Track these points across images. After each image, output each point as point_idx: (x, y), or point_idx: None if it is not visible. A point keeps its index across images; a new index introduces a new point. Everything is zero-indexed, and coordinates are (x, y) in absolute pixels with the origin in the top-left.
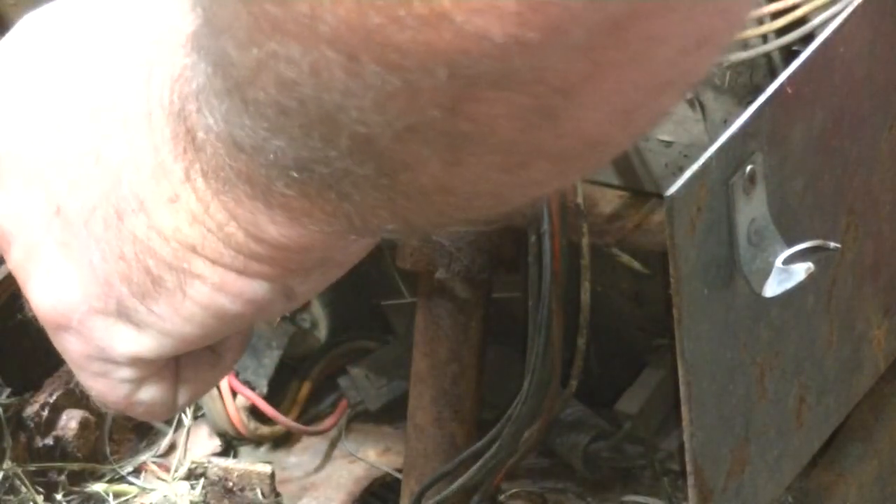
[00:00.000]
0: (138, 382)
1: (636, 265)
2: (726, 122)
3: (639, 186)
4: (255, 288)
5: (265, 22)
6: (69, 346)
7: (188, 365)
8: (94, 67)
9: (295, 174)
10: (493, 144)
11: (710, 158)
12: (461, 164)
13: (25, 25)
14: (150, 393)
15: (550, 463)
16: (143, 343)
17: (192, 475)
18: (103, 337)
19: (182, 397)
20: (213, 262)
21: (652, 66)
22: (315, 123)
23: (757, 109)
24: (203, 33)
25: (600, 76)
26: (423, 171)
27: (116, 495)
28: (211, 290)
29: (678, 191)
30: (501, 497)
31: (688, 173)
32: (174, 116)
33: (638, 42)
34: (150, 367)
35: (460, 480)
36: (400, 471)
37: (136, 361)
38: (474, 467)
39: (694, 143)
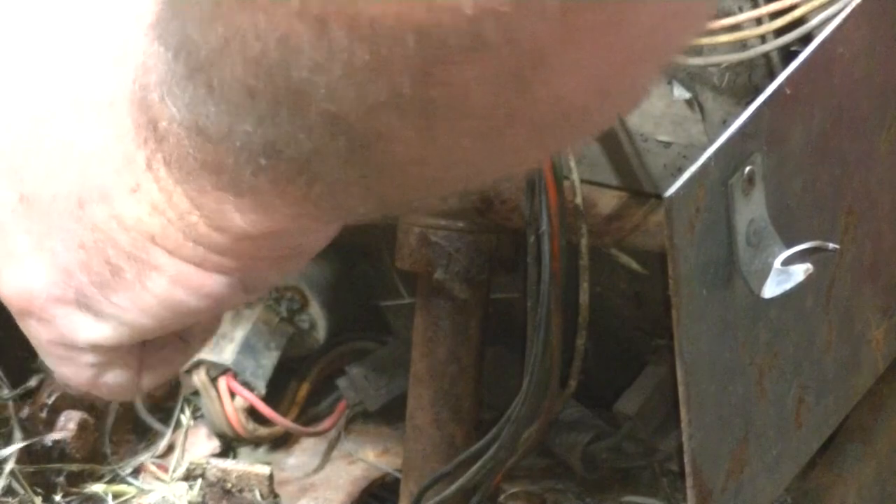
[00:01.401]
0: (102, 367)
1: (635, 266)
2: (725, 123)
3: (637, 187)
4: (212, 282)
5: None
6: (34, 332)
7: (153, 350)
8: (61, 56)
9: (263, 161)
10: (466, 110)
11: (709, 159)
12: (435, 131)
13: None
14: (113, 377)
15: (550, 463)
16: (103, 331)
17: (190, 476)
18: (65, 324)
19: (146, 381)
20: (171, 252)
21: (628, 34)
22: (283, 102)
23: (756, 110)
24: (165, 17)
25: (574, 41)
26: (397, 142)
27: (115, 496)
28: (168, 283)
29: (677, 192)
30: (501, 497)
31: (686, 174)
32: (136, 105)
33: (614, 6)
34: (112, 353)
35: (460, 481)
36: (399, 471)
37: (97, 348)
38: (473, 468)
39: (693, 143)
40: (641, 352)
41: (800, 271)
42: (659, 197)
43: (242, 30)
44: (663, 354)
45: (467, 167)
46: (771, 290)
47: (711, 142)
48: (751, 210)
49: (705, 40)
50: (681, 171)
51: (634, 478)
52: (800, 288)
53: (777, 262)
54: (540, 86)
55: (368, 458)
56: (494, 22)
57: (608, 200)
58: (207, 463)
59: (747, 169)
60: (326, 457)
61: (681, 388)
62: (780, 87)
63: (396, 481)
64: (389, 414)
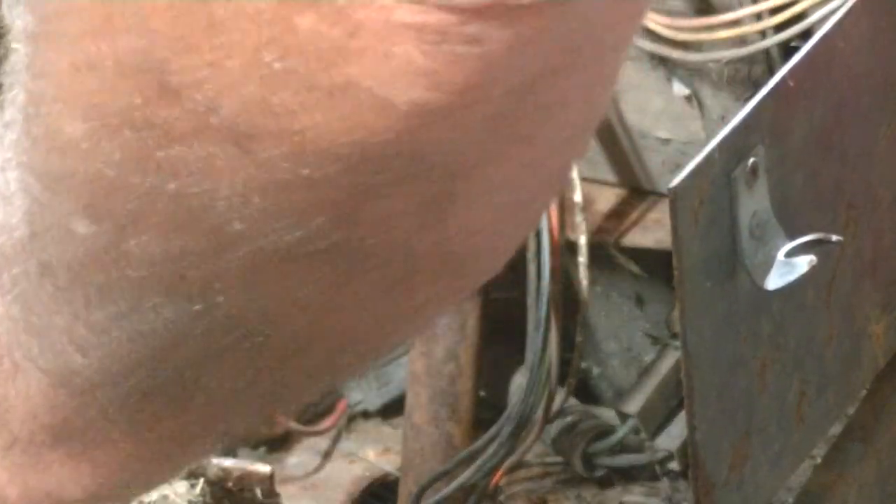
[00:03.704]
0: None
1: (633, 268)
2: (724, 119)
3: (636, 184)
4: None
5: None
6: None
7: None
8: None
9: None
10: (386, 253)
11: (713, 151)
12: (349, 287)
13: None
14: None
15: (550, 463)
16: None
17: (191, 475)
18: None
19: None
20: None
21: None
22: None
23: (759, 102)
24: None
25: (498, 155)
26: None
27: None
28: None
29: (681, 183)
30: (501, 497)
31: (690, 165)
32: None
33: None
34: None
35: (459, 480)
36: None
37: None
38: (472, 466)
39: (691, 139)
40: (642, 351)
41: (803, 263)
42: (657, 194)
43: None
44: (665, 354)
45: (367, 335)
46: (774, 281)
47: (710, 138)
48: (754, 202)
49: (705, 36)
50: (679, 167)
51: (635, 477)
52: (801, 282)
53: (780, 254)
54: (453, 218)
55: (369, 457)
56: (429, 130)
57: (607, 197)
58: (208, 462)
59: (751, 161)
60: (327, 456)
61: (685, 380)
62: (783, 79)
63: (397, 480)
64: (390, 413)
